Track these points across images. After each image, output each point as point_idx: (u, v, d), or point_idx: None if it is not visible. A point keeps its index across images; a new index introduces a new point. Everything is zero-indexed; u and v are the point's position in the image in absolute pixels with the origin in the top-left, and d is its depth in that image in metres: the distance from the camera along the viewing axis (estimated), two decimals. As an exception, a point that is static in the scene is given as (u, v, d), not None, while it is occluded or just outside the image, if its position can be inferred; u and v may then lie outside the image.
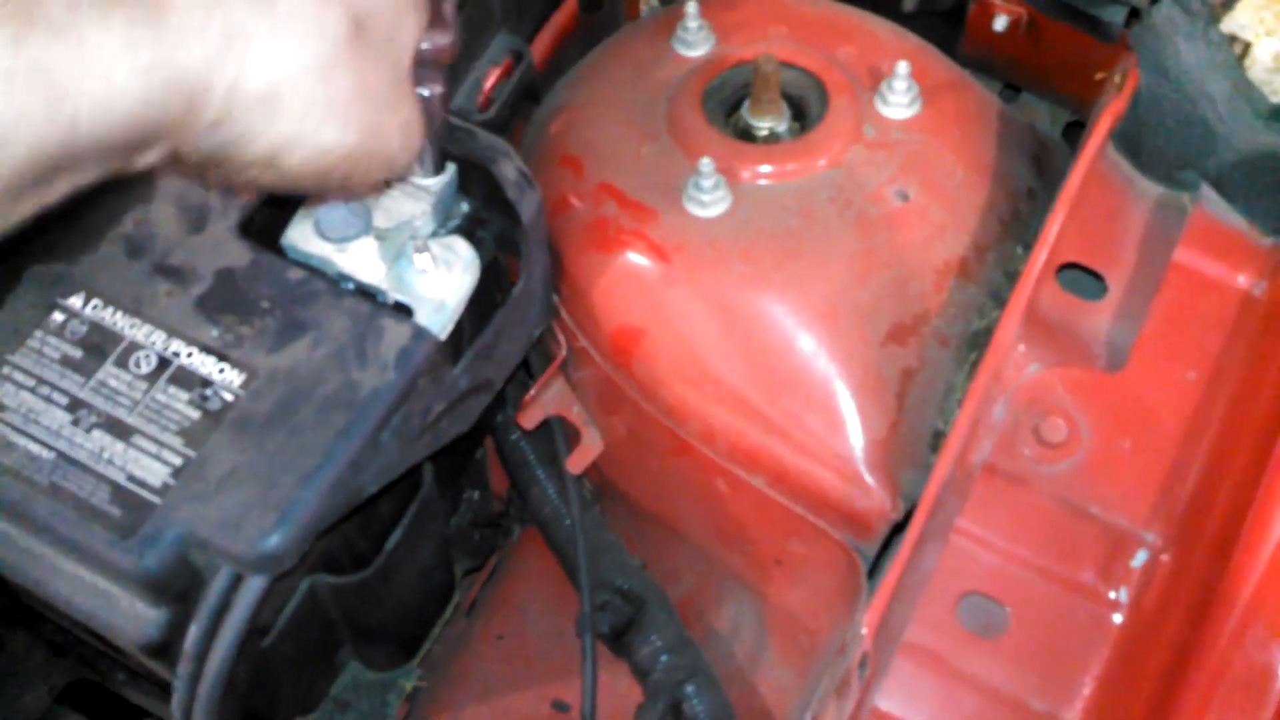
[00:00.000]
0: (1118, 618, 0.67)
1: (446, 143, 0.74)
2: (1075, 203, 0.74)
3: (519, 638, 0.95)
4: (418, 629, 0.96)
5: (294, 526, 0.62)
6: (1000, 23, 0.88)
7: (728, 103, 0.85)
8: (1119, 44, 0.82)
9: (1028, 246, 0.81)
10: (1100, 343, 0.74)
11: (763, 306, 0.76)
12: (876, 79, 0.84)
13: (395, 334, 0.68)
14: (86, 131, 0.44)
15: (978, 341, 0.78)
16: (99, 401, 0.66)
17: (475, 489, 1.02)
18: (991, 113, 0.86)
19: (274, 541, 0.62)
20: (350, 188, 0.61)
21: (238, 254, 0.71)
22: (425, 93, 0.64)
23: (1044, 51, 0.90)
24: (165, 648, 0.65)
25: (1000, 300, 0.79)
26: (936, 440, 0.75)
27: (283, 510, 0.62)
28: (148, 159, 0.49)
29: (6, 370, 0.67)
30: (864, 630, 0.64)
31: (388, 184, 0.71)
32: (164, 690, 0.72)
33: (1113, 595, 0.67)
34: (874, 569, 0.76)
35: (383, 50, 0.55)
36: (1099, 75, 0.82)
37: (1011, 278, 0.79)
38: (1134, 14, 0.81)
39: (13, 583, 0.68)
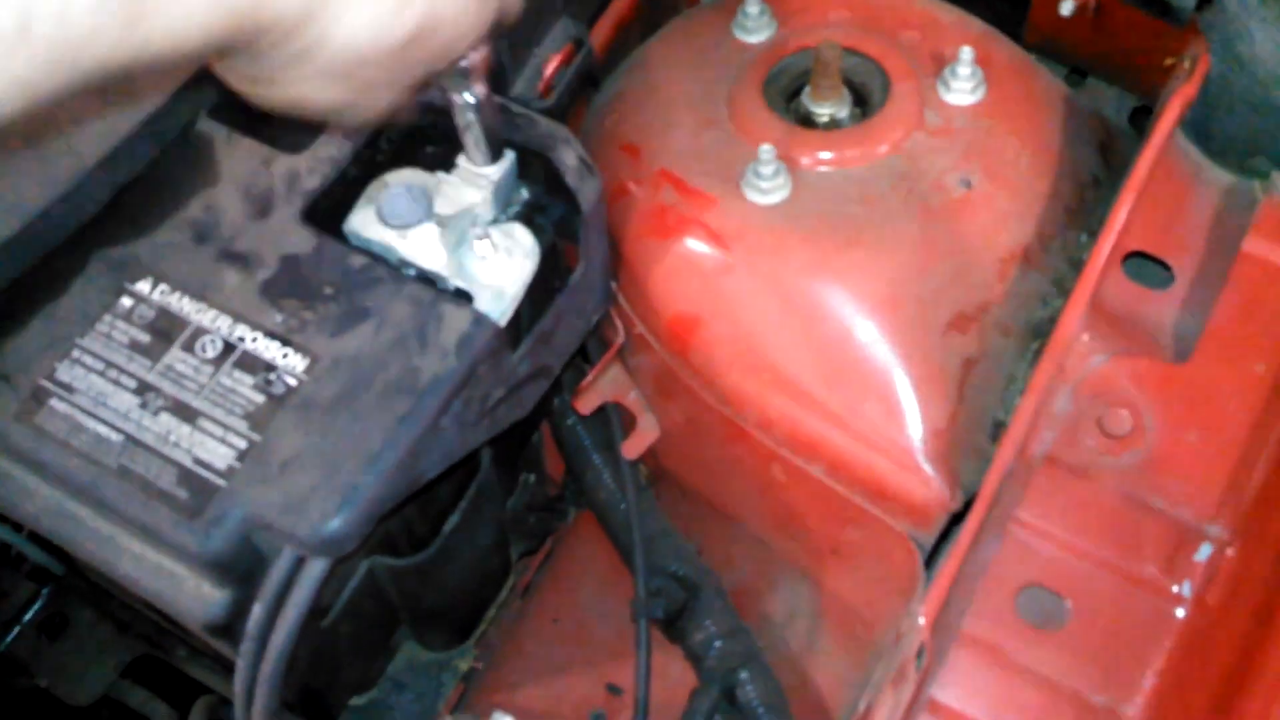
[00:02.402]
0: (1180, 612, 0.66)
1: (506, 130, 0.74)
2: (1142, 190, 0.73)
3: (574, 620, 0.96)
4: (474, 610, 0.97)
5: (356, 510, 0.63)
6: (1067, 7, 0.87)
7: (788, 89, 0.84)
8: (1189, 28, 0.81)
9: (1093, 234, 0.80)
10: (1166, 333, 0.73)
11: (822, 294, 0.76)
12: (940, 64, 0.83)
13: (456, 320, 0.68)
14: (158, 48, 0.46)
15: (1041, 331, 0.77)
16: (166, 385, 0.67)
17: (531, 472, 1.03)
18: (1056, 99, 0.85)
19: (336, 524, 0.63)
20: (439, 64, 0.61)
21: (302, 240, 0.72)
22: (469, 98, 0.66)
23: (1111, 36, 0.89)
24: (229, 628, 0.66)
25: (1064, 289, 0.78)
26: (997, 430, 0.75)
27: (345, 494, 0.63)
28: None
29: (76, 354, 0.68)
30: (921, 620, 0.64)
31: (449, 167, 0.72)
32: (225, 666, 0.73)
33: (1176, 589, 0.66)
34: (931, 559, 0.75)
35: None
36: (1168, 61, 0.80)
37: (1076, 266, 0.78)
38: (1206, -2, 0.79)
39: (82, 562, 0.70)
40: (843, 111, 0.83)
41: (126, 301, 0.70)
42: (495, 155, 0.73)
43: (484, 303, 0.70)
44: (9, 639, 0.91)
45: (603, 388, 0.89)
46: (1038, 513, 0.68)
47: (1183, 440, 0.69)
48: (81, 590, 0.94)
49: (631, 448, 0.89)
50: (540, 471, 1.03)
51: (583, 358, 0.91)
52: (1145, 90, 0.93)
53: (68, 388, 0.67)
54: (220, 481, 0.64)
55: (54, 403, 0.67)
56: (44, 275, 0.71)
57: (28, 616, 0.91)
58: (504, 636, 0.96)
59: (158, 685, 0.93)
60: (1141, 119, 0.95)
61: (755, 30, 0.87)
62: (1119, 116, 0.97)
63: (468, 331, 0.68)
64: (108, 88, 0.48)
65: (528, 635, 0.95)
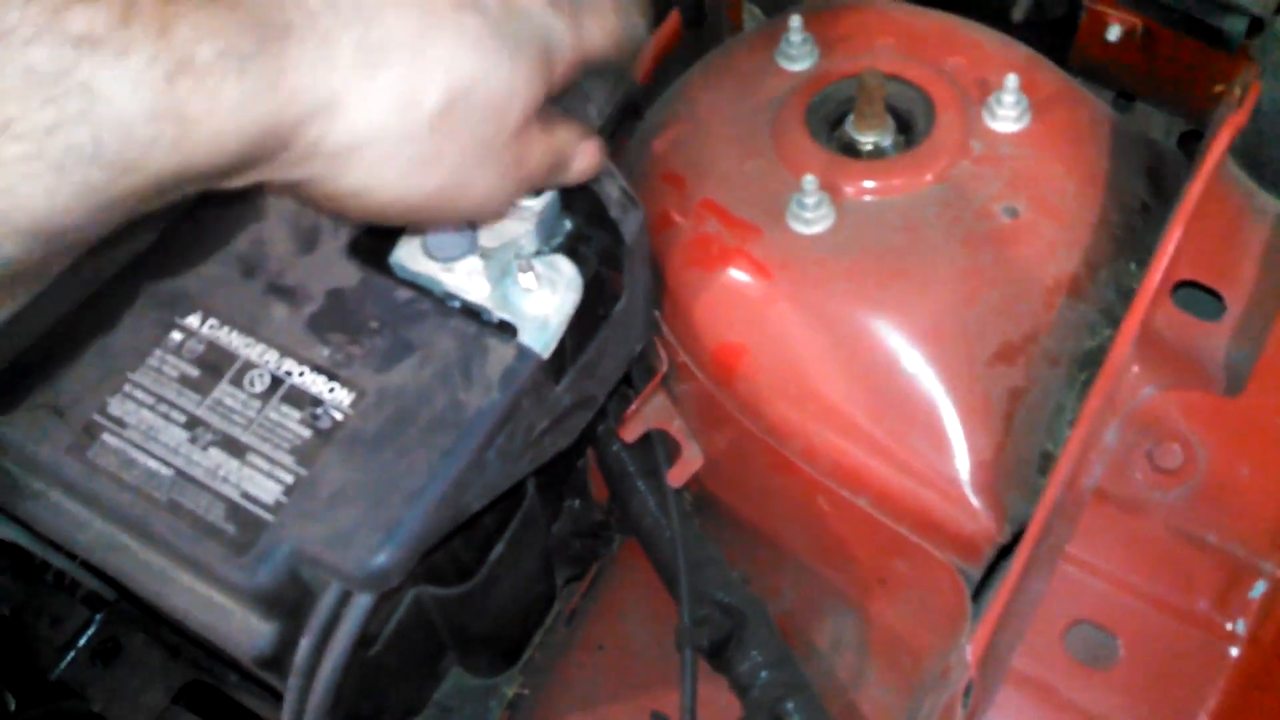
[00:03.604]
0: (1234, 650, 0.64)
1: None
2: (1192, 218, 0.72)
3: (619, 648, 0.96)
4: (519, 637, 0.97)
5: (401, 545, 0.64)
6: (1114, 33, 0.86)
7: (832, 117, 0.84)
8: (1239, 55, 0.80)
9: (1142, 263, 0.79)
10: (1218, 364, 0.71)
11: (867, 325, 0.75)
12: (985, 91, 0.82)
13: (500, 354, 0.69)
14: (197, 163, 0.49)
15: (1089, 361, 0.76)
16: (215, 419, 0.68)
17: (576, 498, 1.03)
18: (1104, 125, 0.84)
19: (381, 560, 0.63)
20: (440, 224, 0.65)
21: (348, 274, 0.72)
22: None
23: (1159, 61, 0.88)
24: (277, 660, 0.66)
25: (1113, 318, 0.77)
26: (1045, 462, 0.74)
27: (390, 529, 0.64)
28: (232, 185, 0.53)
29: (128, 389, 0.69)
30: (969, 657, 0.63)
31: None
32: (274, 694, 0.74)
33: (1229, 627, 0.65)
34: (979, 592, 0.74)
35: (477, 121, 0.57)
36: (1218, 88, 0.79)
37: (1125, 295, 0.77)
38: (1256, 24, 0.78)
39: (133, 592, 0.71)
40: (887, 139, 0.82)
41: (176, 336, 0.71)
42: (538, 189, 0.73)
43: (528, 335, 0.70)
44: (63, 664, 0.93)
45: (647, 415, 0.89)
46: (1087, 548, 0.67)
47: (1235, 474, 0.67)
48: (134, 616, 0.95)
49: (676, 476, 0.89)
50: (586, 496, 1.03)
51: (627, 384, 0.91)
52: (1195, 115, 0.92)
53: (119, 422, 0.68)
54: (268, 516, 0.65)
55: (106, 437, 0.68)
56: (96, 309, 0.73)
57: (81, 642, 0.93)
58: (550, 663, 0.96)
59: (208, 710, 0.94)
60: (1191, 143, 0.94)
61: (798, 58, 0.87)
62: (1168, 140, 0.96)
63: (511, 365, 0.69)
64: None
65: (573, 662, 0.95)
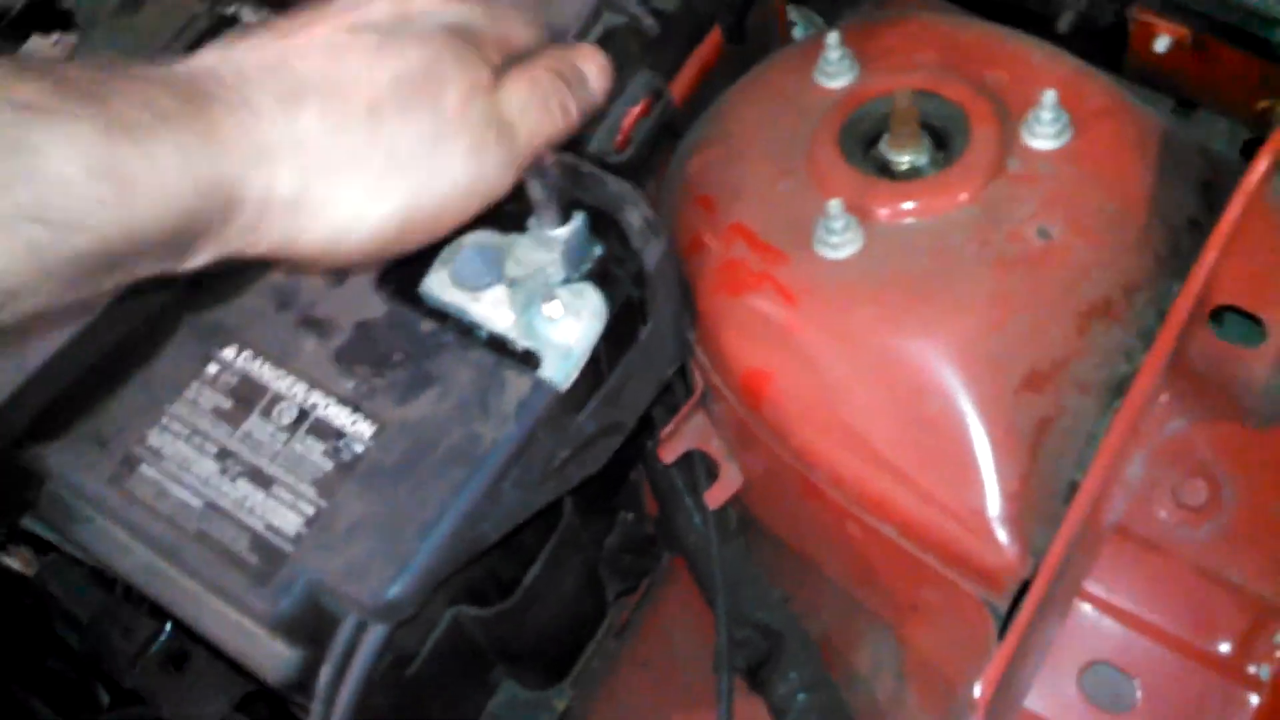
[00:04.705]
0: (1255, 698, 0.62)
1: (576, 189, 0.75)
2: (1232, 238, 0.70)
3: (665, 665, 0.97)
4: (567, 652, 0.98)
5: (413, 577, 0.65)
6: (1162, 44, 0.83)
7: (867, 136, 0.83)
8: (1291, 65, 0.76)
9: (1186, 283, 0.76)
10: (1256, 395, 0.69)
11: (891, 352, 0.74)
12: (1027, 106, 0.80)
13: (516, 386, 0.70)
14: (144, 224, 0.51)
15: (1124, 388, 0.73)
16: (244, 451, 0.70)
17: (630, 510, 1.04)
18: (1153, 139, 0.81)
19: (394, 592, 0.65)
20: (446, 231, 0.63)
21: (375, 306, 0.74)
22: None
23: (1213, 70, 0.84)
24: (302, 685, 0.69)
25: (1151, 342, 0.74)
26: (1072, 493, 0.72)
27: (402, 562, 0.65)
28: (197, 260, 0.55)
29: (166, 420, 0.72)
30: (977, 695, 0.62)
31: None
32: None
33: (1252, 670, 0.63)
34: (1006, 624, 0.73)
35: (415, 108, 0.57)
36: (1262, 103, 0.76)
37: (1164, 318, 0.75)
38: (1307, 34, 0.75)
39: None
40: (923, 158, 0.80)
41: (213, 369, 0.74)
42: (565, 218, 0.74)
43: (550, 363, 0.71)
44: (135, 672, 0.97)
45: (687, 435, 0.89)
46: (1106, 586, 0.65)
47: (1265, 511, 0.65)
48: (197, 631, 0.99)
49: (714, 497, 0.89)
50: (639, 510, 1.04)
51: (670, 404, 0.91)
52: (1256, 123, 0.88)
53: (156, 453, 0.71)
54: (289, 548, 0.67)
55: (144, 468, 0.71)
56: (140, 341, 0.76)
57: (151, 651, 0.97)
58: (598, 678, 0.98)
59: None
60: (1254, 152, 0.90)
61: (836, 75, 0.86)
62: (1231, 149, 0.92)
63: (526, 397, 0.70)
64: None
65: (620, 678, 0.96)
